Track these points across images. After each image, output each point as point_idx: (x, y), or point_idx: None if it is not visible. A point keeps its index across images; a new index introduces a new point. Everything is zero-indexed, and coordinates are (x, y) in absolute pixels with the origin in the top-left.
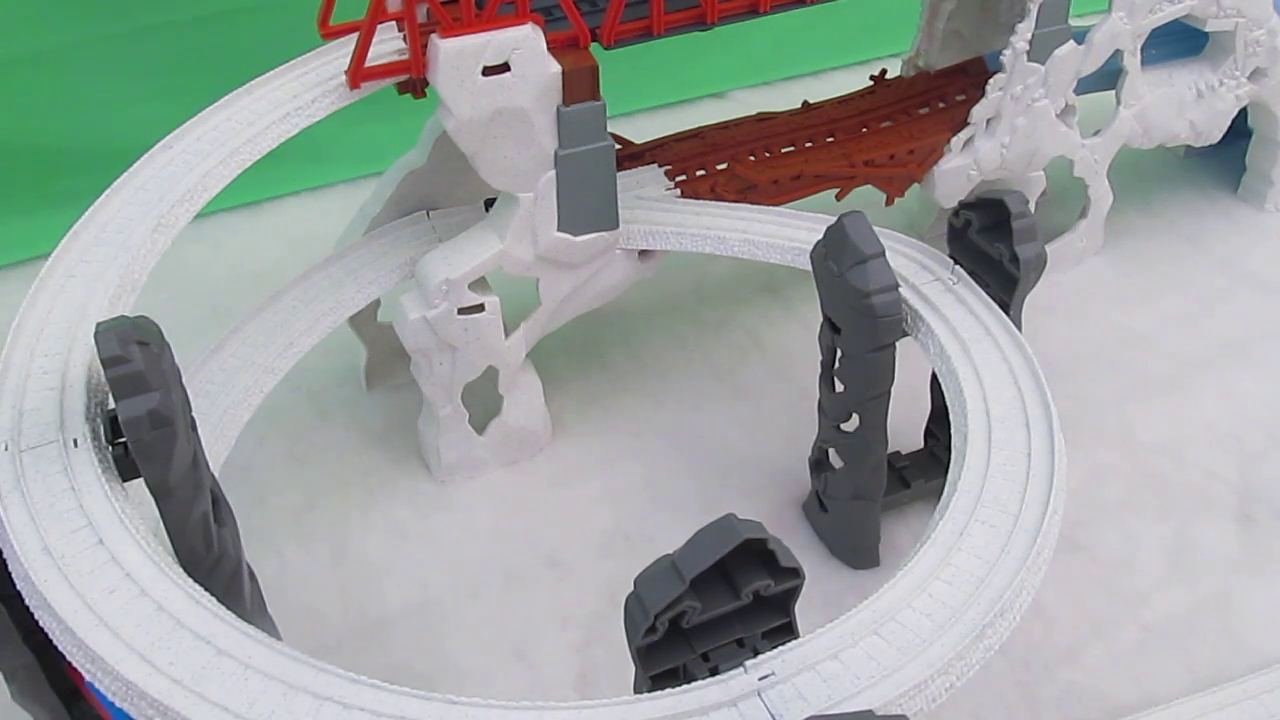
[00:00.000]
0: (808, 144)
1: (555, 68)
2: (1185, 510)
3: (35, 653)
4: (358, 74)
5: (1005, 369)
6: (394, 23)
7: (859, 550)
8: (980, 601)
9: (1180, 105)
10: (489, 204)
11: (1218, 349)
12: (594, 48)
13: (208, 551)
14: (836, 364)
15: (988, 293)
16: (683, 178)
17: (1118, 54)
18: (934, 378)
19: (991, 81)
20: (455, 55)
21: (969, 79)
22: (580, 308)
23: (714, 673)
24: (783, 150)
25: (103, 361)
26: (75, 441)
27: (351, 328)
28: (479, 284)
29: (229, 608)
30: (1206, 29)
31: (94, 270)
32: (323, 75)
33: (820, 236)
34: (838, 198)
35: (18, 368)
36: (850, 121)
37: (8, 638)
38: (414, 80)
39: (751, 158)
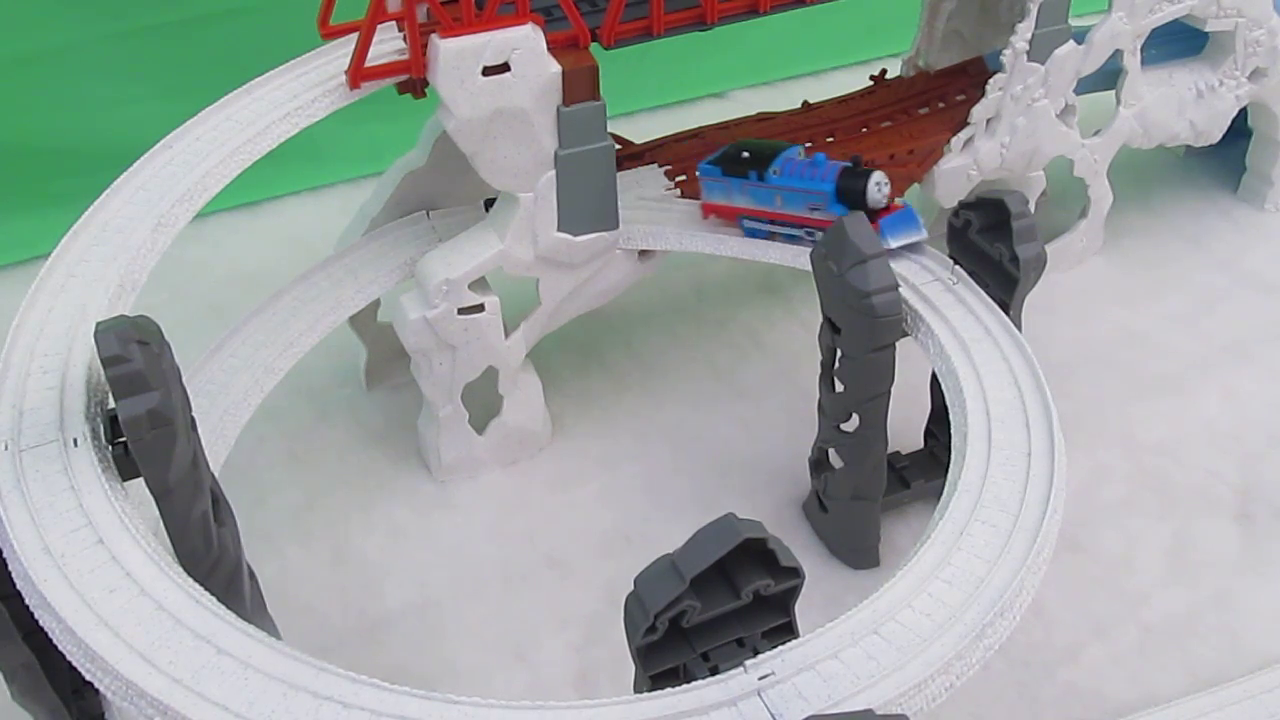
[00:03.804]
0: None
1: (555, 68)
2: (1185, 510)
3: (35, 652)
4: (358, 74)
5: (1005, 369)
6: (394, 23)
7: (859, 550)
8: (980, 601)
9: (1180, 105)
10: (489, 204)
11: (1218, 349)
12: (594, 48)
13: (208, 551)
14: (836, 364)
15: (988, 293)
16: (683, 178)
17: (1118, 54)
18: (934, 378)
19: (991, 81)
20: (455, 55)
21: (969, 79)
22: (580, 308)
23: (714, 672)
24: None
25: (103, 361)
26: (75, 441)
27: (351, 328)
28: (479, 284)
29: (229, 608)
30: (1206, 29)
31: (94, 270)
32: (323, 75)
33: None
34: None
35: (18, 368)
36: (850, 121)
37: (8, 637)
38: (414, 80)
39: None
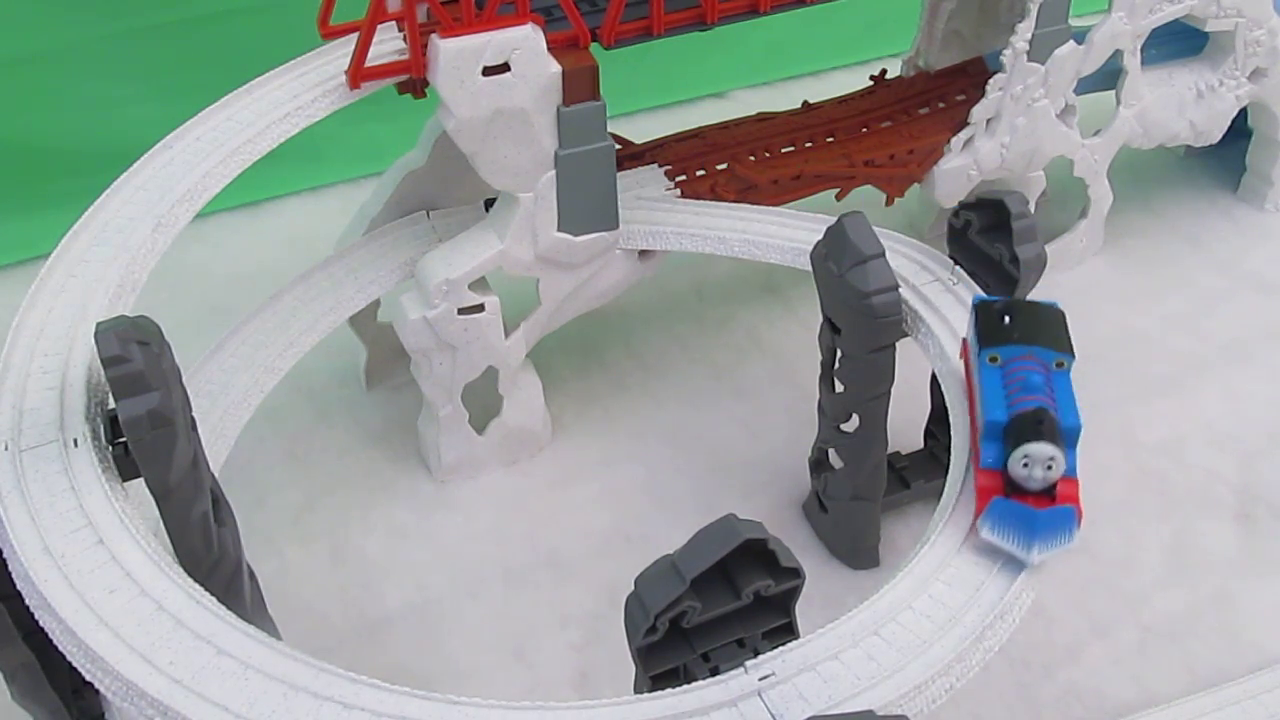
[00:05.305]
0: (808, 144)
1: (555, 68)
2: (1185, 510)
3: (35, 652)
4: (358, 74)
5: None
6: (394, 23)
7: (859, 550)
8: (980, 603)
9: (1180, 105)
10: (489, 204)
11: (1218, 349)
12: (594, 48)
13: (208, 551)
14: (836, 364)
15: (988, 293)
16: (683, 178)
17: (1118, 54)
18: (934, 378)
19: (991, 81)
20: (455, 55)
21: (969, 79)
22: (580, 308)
23: (714, 673)
24: (783, 150)
25: (103, 361)
26: (75, 441)
27: (351, 328)
28: (479, 284)
29: (229, 608)
30: (1206, 29)
31: (94, 270)
32: (323, 75)
33: (820, 236)
34: (838, 198)
35: (18, 368)
36: (850, 121)
37: (8, 638)
38: (414, 80)
39: (751, 158)
